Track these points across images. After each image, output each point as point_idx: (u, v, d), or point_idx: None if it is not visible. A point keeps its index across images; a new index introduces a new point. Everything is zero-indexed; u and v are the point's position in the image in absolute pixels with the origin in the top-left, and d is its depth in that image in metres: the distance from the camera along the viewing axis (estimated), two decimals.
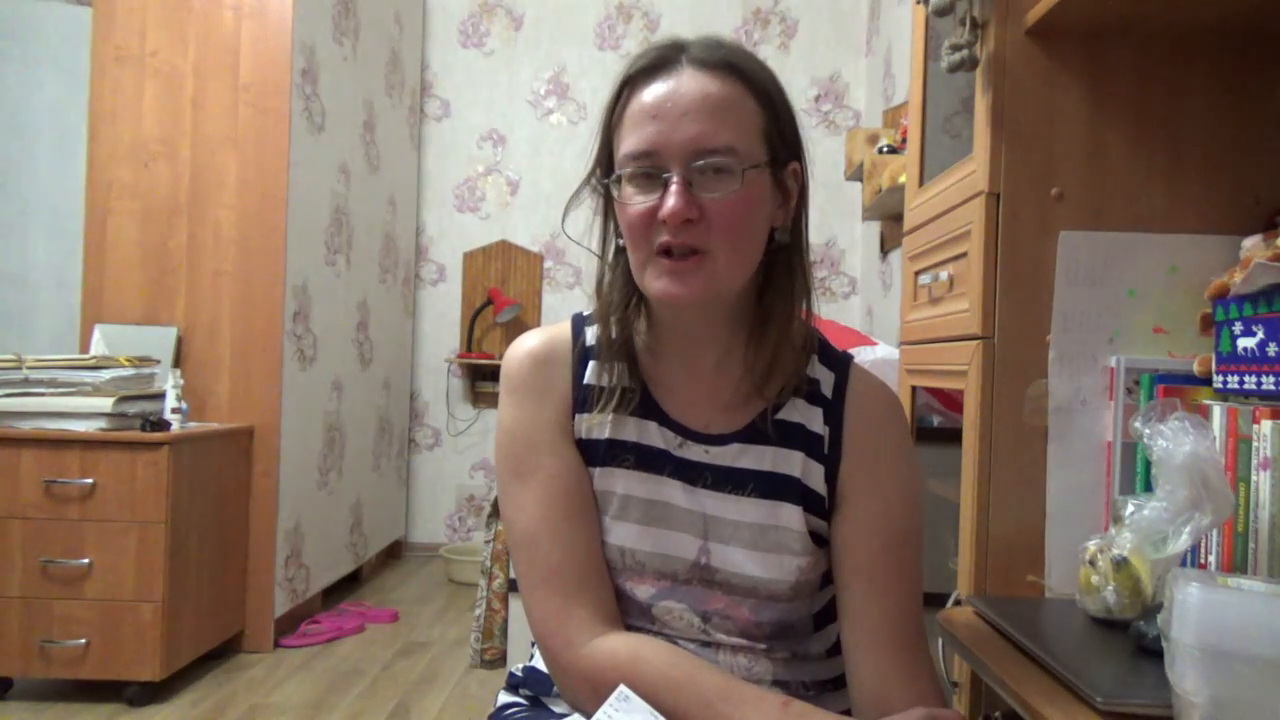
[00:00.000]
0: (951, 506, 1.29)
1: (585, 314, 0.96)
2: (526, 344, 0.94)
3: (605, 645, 0.83)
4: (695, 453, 0.89)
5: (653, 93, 0.81)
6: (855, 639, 0.86)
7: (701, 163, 0.79)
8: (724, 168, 0.79)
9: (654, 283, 0.82)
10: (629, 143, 0.82)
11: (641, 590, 0.90)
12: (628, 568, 0.89)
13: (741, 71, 0.82)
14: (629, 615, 0.91)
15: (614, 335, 0.89)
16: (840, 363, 0.92)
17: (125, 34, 2.81)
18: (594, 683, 0.81)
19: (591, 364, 0.92)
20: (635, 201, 0.81)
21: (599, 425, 0.90)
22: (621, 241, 0.86)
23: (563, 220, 0.91)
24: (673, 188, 0.79)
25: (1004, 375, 1.17)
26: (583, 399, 0.91)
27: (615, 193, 0.84)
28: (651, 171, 0.80)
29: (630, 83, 0.83)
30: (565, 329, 0.95)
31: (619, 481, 0.89)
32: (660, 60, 0.82)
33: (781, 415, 0.89)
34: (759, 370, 0.87)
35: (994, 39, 1.17)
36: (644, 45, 0.86)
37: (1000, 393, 1.16)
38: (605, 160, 0.87)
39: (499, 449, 0.92)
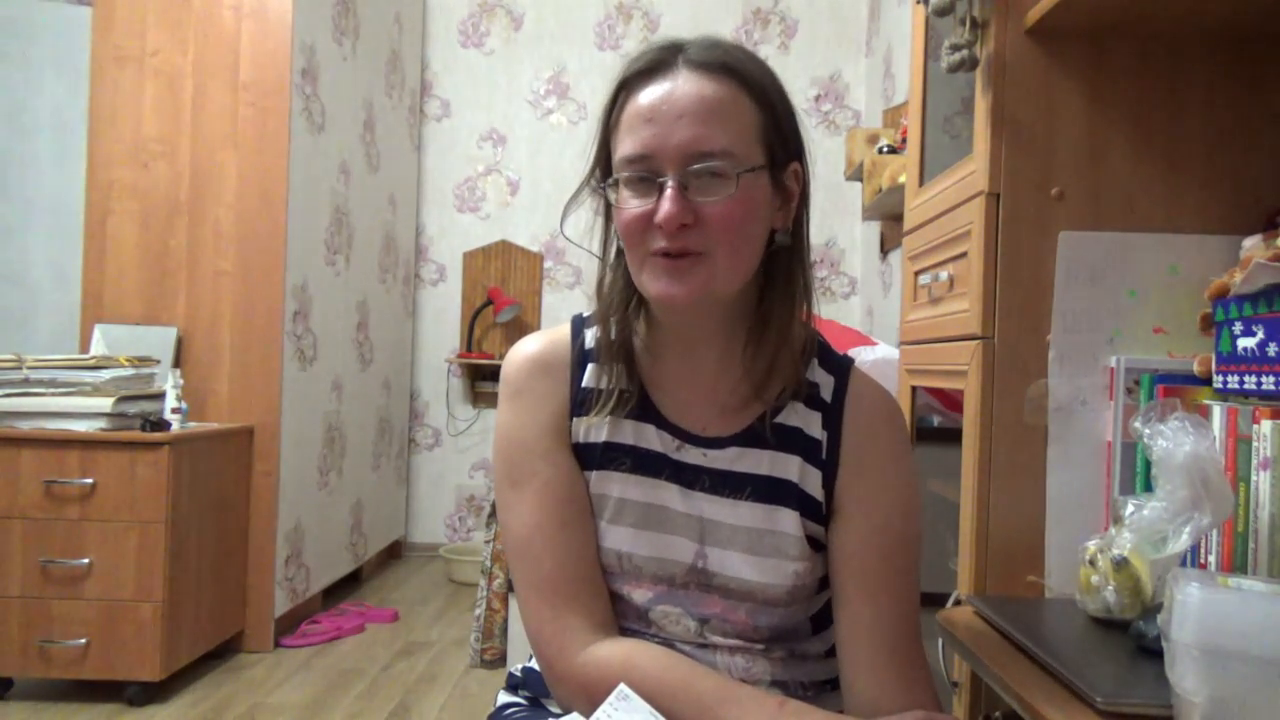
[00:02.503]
0: (951, 506, 1.29)
1: (585, 315, 0.95)
2: (525, 349, 0.93)
3: (599, 653, 0.83)
4: (693, 456, 0.89)
5: (648, 95, 0.80)
6: (851, 646, 0.86)
7: (697, 166, 0.78)
8: (719, 171, 0.78)
9: (652, 284, 0.82)
10: (624, 146, 0.81)
11: (638, 594, 0.90)
12: (625, 572, 0.89)
13: (738, 73, 0.81)
14: (626, 619, 0.91)
15: (613, 336, 0.89)
16: (840, 367, 0.92)
17: (125, 34, 2.81)
18: (588, 691, 0.81)
19: (590, 367, 0.91)
20: (631, 205, 0.81)
21: (596, 428, 0.90)
22: (622, 242, 0.86)
23: (561, 224, 0.91)
24: (667, 193, 0.78)
25: (1004, 375, 1.16)
26: (581, 402, 0.90)
27: (612, 196, 0.83)
28: (646, 175, 0.80)
29: (626, 85, 0.83)
30: (564, 332, 0.94)
31: (615, 485, 0.89)
32: (656, 62, 0.82)
33: (780, 419, 0.89)
34: (758, 373, 0.87)
35: (994, 39, 1.17)
36: (644, 45, 0.86)
37: (1000, 393, 1.16)
38: (603, 162, 0.86)
39: (496, 455, 0.92)
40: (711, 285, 0.81)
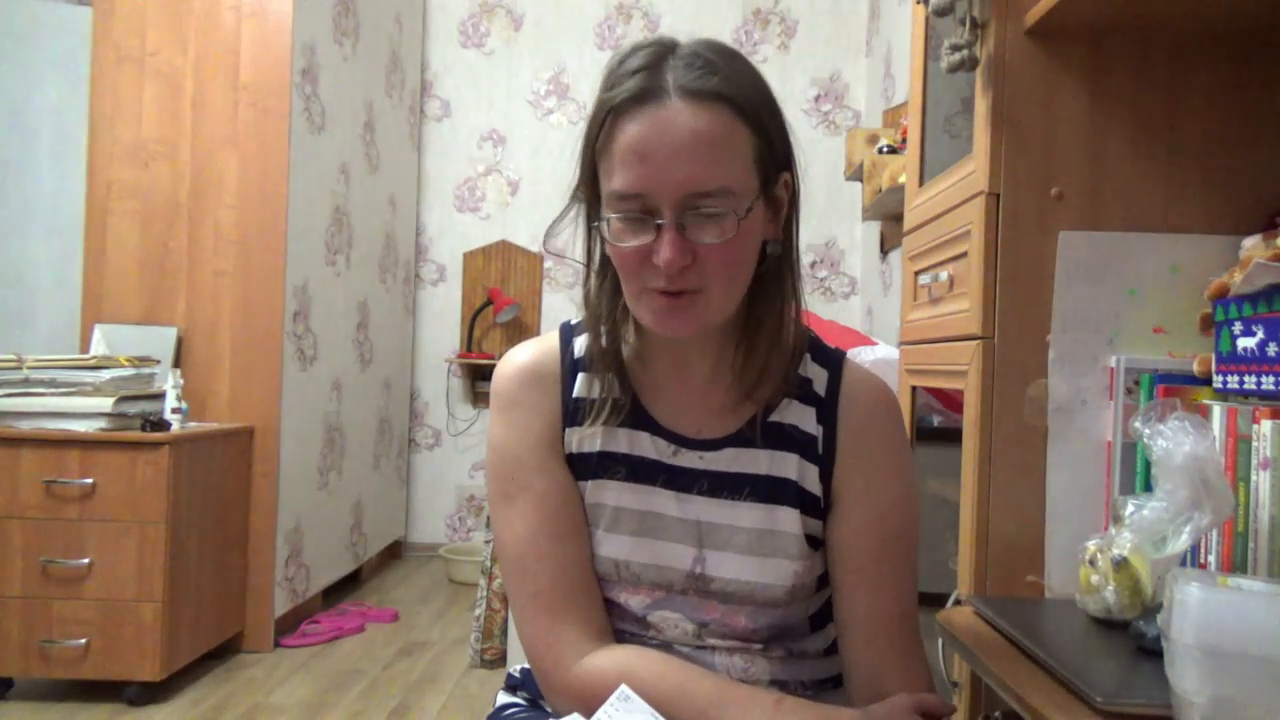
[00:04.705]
0: (951, 506, 1.29)
1: (573, 323, 0.94)
2: (514, 360, 0.92)
3: (595, 663, 0.83)
4: (690, 460, 0.88)
5: (639, 127, 0.76)
6: (851, 638, 0.86)
7: (694, 208, 0.76)
8: (718, 210, 0.76)
9: (648, 317, 0.81)
10: (617, 182, 0.78)
11: (636, 601, 0.89)
12: (622, 579, 0.89)
13: (731, 99, 0.77)
14: (623, 623, 0.91)
15: (603, 345, 0.88)
16: (833, 360, 0.91)
17: (125, 34, 2.81)
18: (586, 700, 0.81)
19: (581, 376, 0.91)
20: (625, 241, 0.79)
21: (590, 438, 0.89)
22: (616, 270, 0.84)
23: (544, 241, 0.89)
24: (666, 236, 0.76)
25: (1004, 375, 1.16)
26: (573, 412, 0.90)
27: (605, 231, 0.81)
28: (642, 216, 0.77)
29: (614, 111, 0.78)
30: (553, 341, 0.93)
31: (610, 494, 0.89)
32: (645, 91, 0.77)
33: (775, 417, 0.88)
34: (750, 374, 0.87)
35: (994, 39, 1.17)
36: (629, 49, 0.81)
37: (1000, 393, 1.16)
38: (589, 182, 0.84)
39: (489, 468, 0.91)
40: (708, 318, 0.81)
